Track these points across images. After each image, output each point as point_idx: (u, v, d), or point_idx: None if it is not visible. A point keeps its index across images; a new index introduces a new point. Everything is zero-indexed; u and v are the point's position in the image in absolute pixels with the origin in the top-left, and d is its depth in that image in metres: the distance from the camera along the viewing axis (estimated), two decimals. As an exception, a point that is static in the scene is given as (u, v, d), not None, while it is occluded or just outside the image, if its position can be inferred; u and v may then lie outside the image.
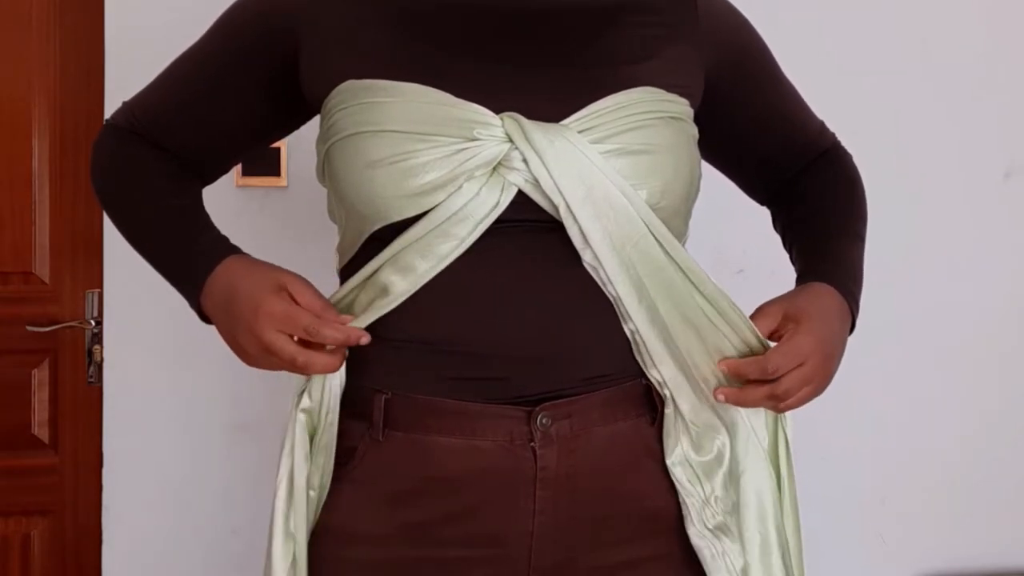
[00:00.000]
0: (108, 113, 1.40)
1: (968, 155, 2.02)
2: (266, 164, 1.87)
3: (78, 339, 1.98)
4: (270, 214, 1.89)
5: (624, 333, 0.98)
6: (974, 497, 2.05)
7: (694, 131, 1.02)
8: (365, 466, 0.98)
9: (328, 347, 0.94)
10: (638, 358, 0.99)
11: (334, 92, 0.96)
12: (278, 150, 1.87)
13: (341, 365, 0.96)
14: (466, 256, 0.93)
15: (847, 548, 2.01)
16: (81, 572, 1.99)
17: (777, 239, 1.20)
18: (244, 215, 1.86)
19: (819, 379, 0.98)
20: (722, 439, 1.02)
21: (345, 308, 0.99)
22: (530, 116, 0.92)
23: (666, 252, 0.95)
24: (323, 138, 0.99)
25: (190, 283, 1.01)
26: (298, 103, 1.04)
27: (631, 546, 1.00)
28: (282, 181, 1.89)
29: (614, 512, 0.99)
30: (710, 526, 1.00)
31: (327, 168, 0.99)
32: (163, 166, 1.08)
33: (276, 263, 1.00)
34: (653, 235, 0.95)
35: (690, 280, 0.97)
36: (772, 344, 0.99)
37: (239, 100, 1.07)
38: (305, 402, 0.98)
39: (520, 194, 0.93)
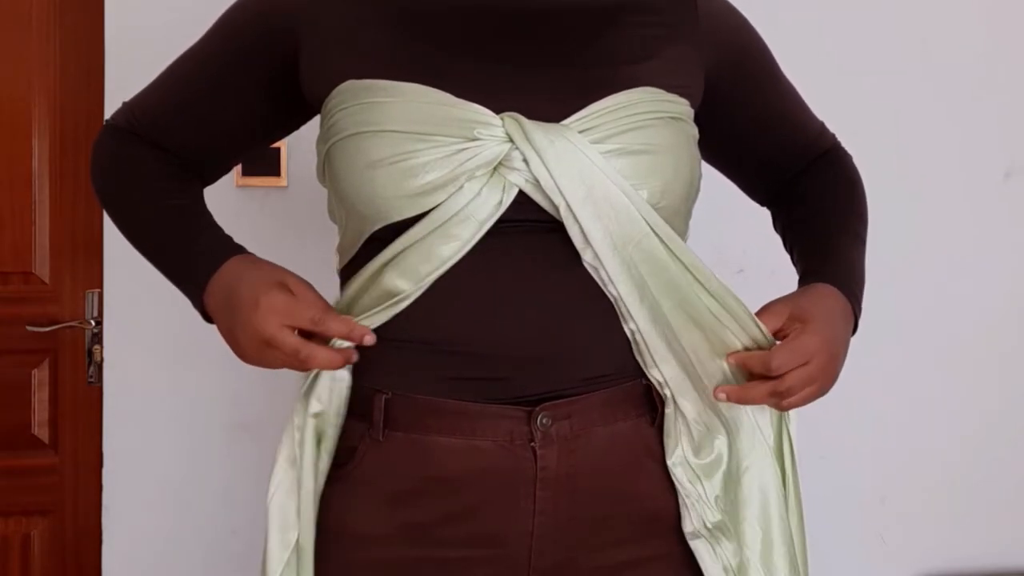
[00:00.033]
0: (108, 113, 1.40)
1: (968, 155, 2.02)
2: (266, 164, 1.87)
3: (78, 339, 1.98)
4: (270, 214, 1.89)
5: (624, 333, 0.98)
6: (974, 497, 2.05)
7: (694, 131, 1.02)
8: (365, 466, 0.98)
9: (331, 343, 0.94)
10: (638, 358, 0.99)
11: (334, 92, 0.96)
12: (278, 150, 1.87)
13: (342, 363, 0.95)
14: (466, 257, 0.93)
15: (847, 548, 2.01)
16: (81, 572, 1.99)
17: (777, 239, 1.20)
18: (244, 215, 1.86)
19: (823, 379, 0.98)
20: (723, 439, 1.02)
21: (345, 310, 0.99)
22: (530, 116, 0.92)
23: (670, 251, 0.95)
24: (323, 138, 0.99)
25: (192, 283, 1.01)
26: (298, 103, 1.04)
27: (631, 546, 1.00)
28: (282, 181, 1.89)
29: (614, 512, 0.99)
30: (709, 525, 1.00)
31: (327, 168, 0.99)
32: (163, 166, 1.08)
33: (276, 263, 1.00)
34: (656, 234, 0.95)
35: (696, 278, 0.97)
36: (778, 343, 0.99)
37: (239, 100, 1.07)
38: (315, 406, 0.98)
39: (520, 194, 0.93)
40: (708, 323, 0.97)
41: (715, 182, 1.17)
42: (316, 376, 0.98)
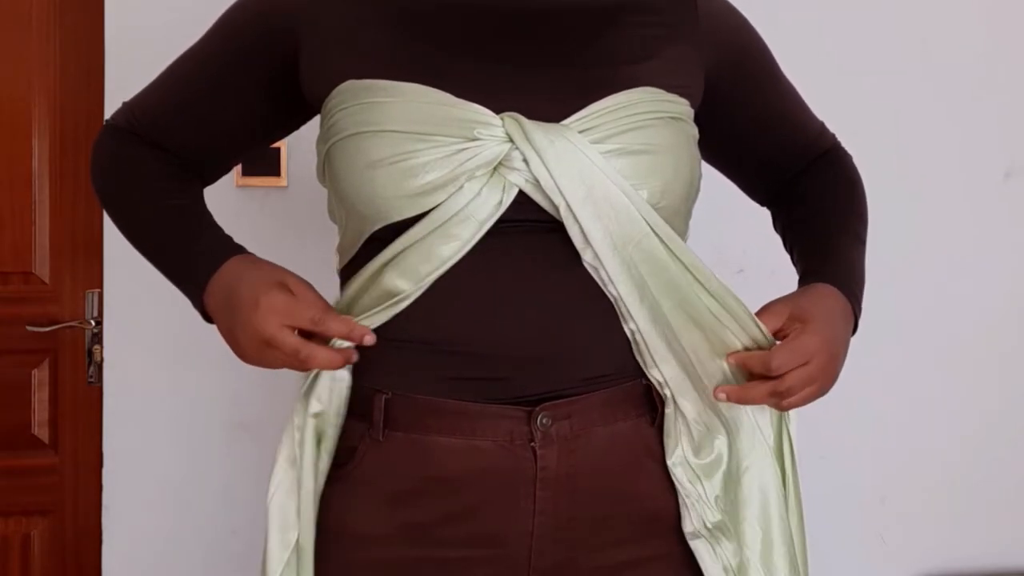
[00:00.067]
0: (108, 113, 1.40)
1: (968, 155, 2.02)
2: (266, 164, 1.87)
3: (78, 339, 1.98)
4: (270, 214, 1.89)
5: (624, 333, 0.98)
6: (974, 497, 2.05)
7: (694, 131, 1.02)
8: (365, 466, 0.98)
9: (331, 343, 0.94)
10: (638, 358, 0.99)
11: (334, 92, 0.96)
12: (278, 150, 1.87)
13: (342, 363, 0.95)
14: (466, 256, 0.93)
15: (847, 548, 2.01)
16: (81, 572, 1.99)
17: (777, 239, 1.20)
18: (244, 215, 1.86)
19: (823, 380, 0.98)
20: (723, 439, 1.02)
21: (344, 310, 0.99)
22: (530, 116, 0.92)
23: (670, 251, 0.95)
24: (323, 138, 0.99)
25: (192, 283, 1.01)
26: (298, 103, 1.04)
27: (631, 546, 1.00)
28: (282, 181, 1.89)
29: (614, 512, 0.99)
30: (709, 525, 1.00)
31: (327, 168, 0.99)
32: (163, 166, 1.08)
33: (276, 263, 1.00)
34: (656, 234, 0.94)
35: (696, 278, 0.97)
36: (778, 343, 0.99)
37: (239, 100, 1.07)
38: (315, 406, 0.98)
39: (520, 194, 0.93)
40: (708, 323, 0.97)
41: (715, 182, 1.17)
42: (316, 376, 0.98)
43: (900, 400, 2.01)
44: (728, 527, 1.01)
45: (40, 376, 1.98)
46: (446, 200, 0.91)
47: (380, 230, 0.94)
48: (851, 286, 1.05)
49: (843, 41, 1.97)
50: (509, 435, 0.95)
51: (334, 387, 0.98)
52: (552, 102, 0.94)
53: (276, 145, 1.78)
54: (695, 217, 1.04)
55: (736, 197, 1.24)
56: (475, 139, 0.91)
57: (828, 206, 1.14)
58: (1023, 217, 2.04)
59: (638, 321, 0.96)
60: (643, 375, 1.00)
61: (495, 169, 0.92)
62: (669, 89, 0.98)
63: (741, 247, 1.88)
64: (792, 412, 1.03)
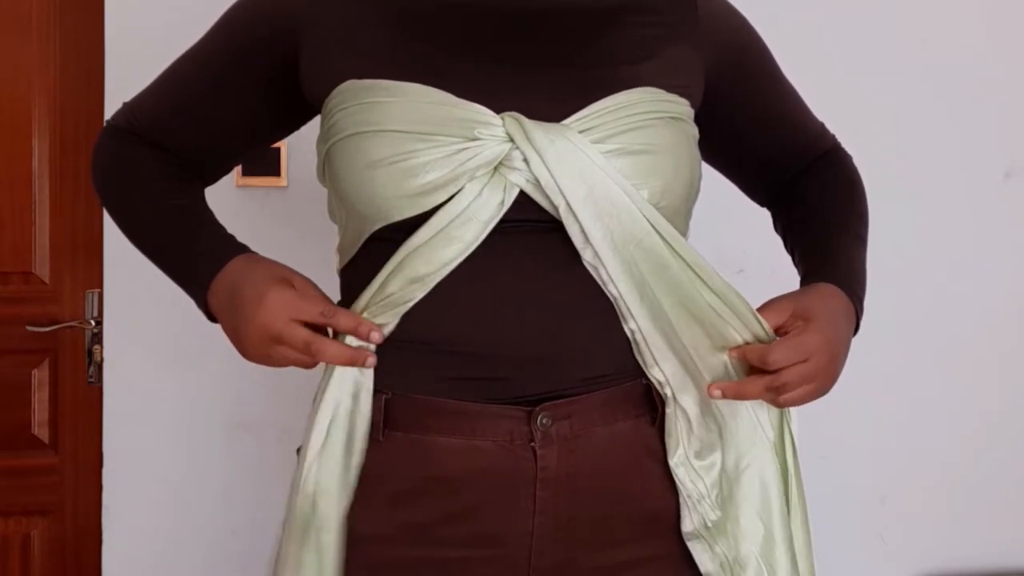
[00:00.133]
0: (108, 113, 1.40)
1: (968, 155, 2.02)
2: (266, 164, 1.87)
3: (78, 339, 1.98)
4: (270, 214, 1.89)
5: (624, 333, 0.98)
6: (974, 497, 2.05)
7: (694, 131, 1.02)
8: (365, 466, 0.98)
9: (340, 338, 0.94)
10: (638, 358, 0.99)
11: (334, 92, 0.96)
12: (278, 150, 1.87)
13: (351, 356, 0.94)
14: (466, 257, 0.93)
15: (847, 548, 2.01)
16: (81, 572, 1.99)
17: (777, 239, 1.20)
18: (244, 215, 1.85)
19: (822, 379, 0.98)
20: (724, 436, 1.01)
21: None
22: (530, 116, 0.92)
23: (672, 249, 0.95)
24: (323, 138, 0.99)
25: (195, 283, 1.01)
26: (299, 103, 1.04)
27: (631, 546, 1.00)
28: (282, 181, 1.89)
29: (614, 512, 0.99)
30: (709, 525, 1.00)
31: (327, 168, 0.99)
32: (163, 167, 1.08)
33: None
34: (658, 233, 0.94)
35: (698, 276, 0.96)
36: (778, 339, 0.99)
37: (239, 100, 1.07)
38: (347, 404, 0.96)
39: (520, 194, 0.93)
40: (709, 319, 0.97)
41: (715, 182, 1.17)
42: (329, 382, 0.97)
43: (900, 400, 2.01)
44: (728, 525, 1.01)
45: (40, 376, 1.98)
46: (448, 202, 0.91)
47: (380, 230, 0.94)
48: (853, 286, 1.05)
49: (843, 41, 1.97)
50: (509, 435, 0.95)
51: (361, 391, 0.96)
52: (552, 102, 0.94)
53: (276, 145, 1.78)
54: (695, 217, 1.04)
55: (736, 197, 1.24)
56: (475, 139, 0.91)
57: (828, 206, 1.14)
58: (1023, 217, 2.04)
59: (638, 320, 0.96)
60: (643, 375, 1.00)
61: (495, 169, 0.92)
62: (669, 89, 0.98)
63: (741, 247, 1.88)
64: (793, 411, 1.03)
